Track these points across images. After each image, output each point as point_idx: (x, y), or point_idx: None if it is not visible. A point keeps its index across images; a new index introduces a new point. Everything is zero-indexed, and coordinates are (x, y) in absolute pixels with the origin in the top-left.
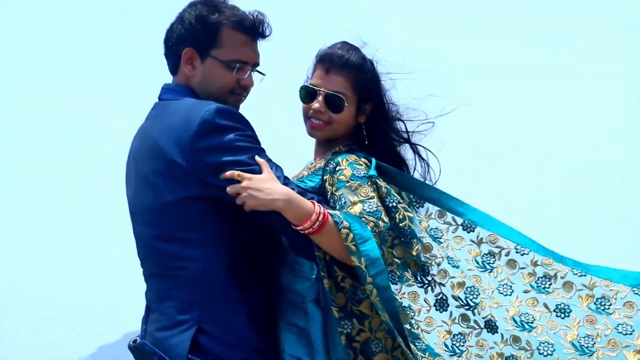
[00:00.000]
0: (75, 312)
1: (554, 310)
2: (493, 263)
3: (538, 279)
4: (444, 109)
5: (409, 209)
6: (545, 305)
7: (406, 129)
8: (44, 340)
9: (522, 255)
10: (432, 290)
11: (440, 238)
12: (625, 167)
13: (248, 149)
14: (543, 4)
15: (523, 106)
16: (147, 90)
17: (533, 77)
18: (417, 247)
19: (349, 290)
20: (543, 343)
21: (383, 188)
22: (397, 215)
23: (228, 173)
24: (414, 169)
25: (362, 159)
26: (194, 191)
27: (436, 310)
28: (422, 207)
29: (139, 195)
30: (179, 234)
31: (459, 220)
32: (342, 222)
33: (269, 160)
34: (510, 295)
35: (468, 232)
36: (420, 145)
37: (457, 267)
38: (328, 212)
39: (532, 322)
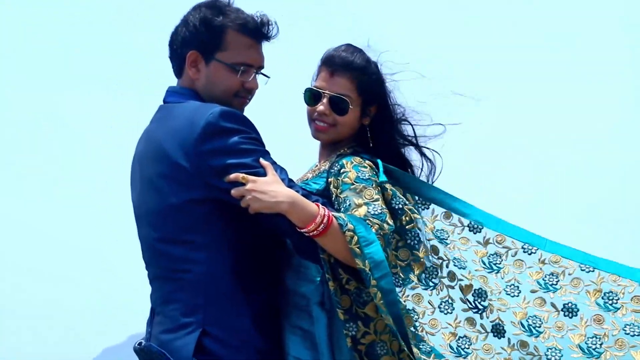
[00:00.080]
0: (80, 314)
1: (562, 310)
2: (500, 263)
3: (545, 276)
4: (453, 117)
5: (416, 211)
6: (553, 305)
7: (413, 131)
8: (48, 342)
9: (529, 254)
10: (439, 293)
11: (447, 239)
12: (625, 167)
13: (252, 151)
14: (543, 4)
15: (523, 106)
16: (147, 91)
17: (534, 77)
18: (424, 249)
19: (353, 293)
20: (551, 349)
21: (389, 190)
22: (403, 217)
23: (232, 176)
24: (421, 171)
25: (367, 161)
26: (199, 194)
27: (440, 312)
28: (428, 208)
29: (144, 197)
30: (183, 237)
31: (465, 222)
32: (347, 224)
33: (273, 163)
34: (517, 296)
35: (474, 233)
36: (426, 147)
37: (464, 268)
38: (332, 215)
39: (539, 326)
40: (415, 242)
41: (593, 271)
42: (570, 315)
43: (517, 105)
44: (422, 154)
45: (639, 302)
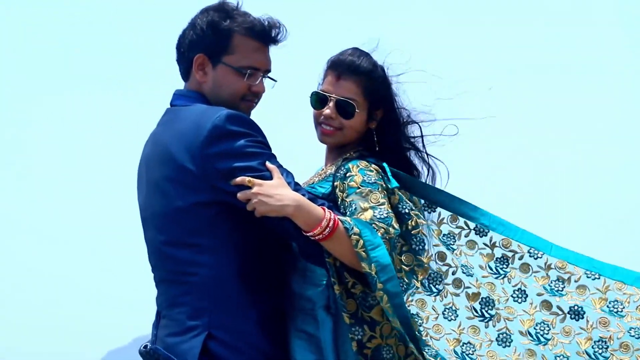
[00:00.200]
0: (85, 316)
1: (568, 313)
2: (506, 267)
3: (551, 282)
4: (467, 117)
5: (422, 216)
6: (559, 308)
7: (421, 133)
8: (53, 343)
9: (535, 258)
10: (442, 299)
11: (453, 244)
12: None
13: (259, 154)
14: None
15: (524, 107)
16: (147, 91)
17: (535, 77)
18: (429, 255)
19: (359, 297)
20: (559, 356)
21: (396, 194)
22: (409, 222)
23: (238, 179)
24: (428, 174)
25: (373, 165)
26: (205, 197)
27: (444, 318)
28: (434, 211)
29: (150, 200)
30: (189, 240)
31: (472, 225)
32: (353, 228)
33: (279, 166)
34: (524, 301)
35: (481, 237)
36: (431, 155)
37: (472, 275)
38: (338, 218)
39: (547, 333)
40: (420, 247)
41: (599, 278)
42: (577, 318)
43: (518, 106)
44: (424, 160)
45: None
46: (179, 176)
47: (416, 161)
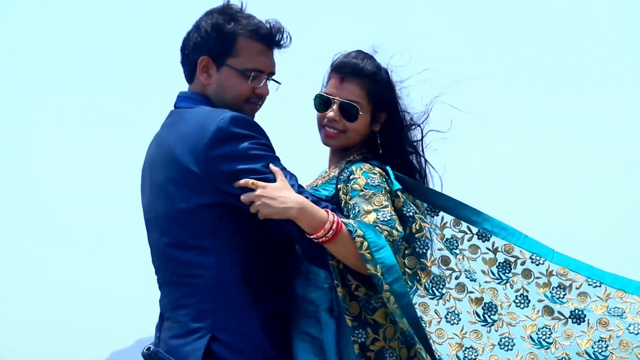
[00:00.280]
0: (87, 317)
1: (570, 317)
2: (508, 273)
3: (552, 289)
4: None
5: (426, 220)
6: (561, 313)
7: (422, 136)
8: (56, 345)
9: (537, 265)
10: (445, 303)
11: (456, 249)
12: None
13: (262, 157)
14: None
15: (524, 106)
16: (147, 91)
17: (535, 77)
18: (432, 258)
19: (362, 299)
20: (560, 359)
21: (400, 197)
22: (413, 225)
23: (242, 181)
24: (425, 180)
25: (376, 168)
26: (209, 199)
27: (447, 322)
28: (437, 215)
29: (154, 202)
30: (193, 242)
31: (474, 229)
32: (356, 230)
33: (283, 169)
34: (527, 306)
35: (483, 241)
36: (427, 161)
37: (474, 280)
38: (342, 221)
39: (549, 337)
40: (424, 250)
41: (600, 286)
42: (578, 321)
43: (518, 107)
44: (422, 165)
45: None
46: (182, 178)
47: (418, 164)
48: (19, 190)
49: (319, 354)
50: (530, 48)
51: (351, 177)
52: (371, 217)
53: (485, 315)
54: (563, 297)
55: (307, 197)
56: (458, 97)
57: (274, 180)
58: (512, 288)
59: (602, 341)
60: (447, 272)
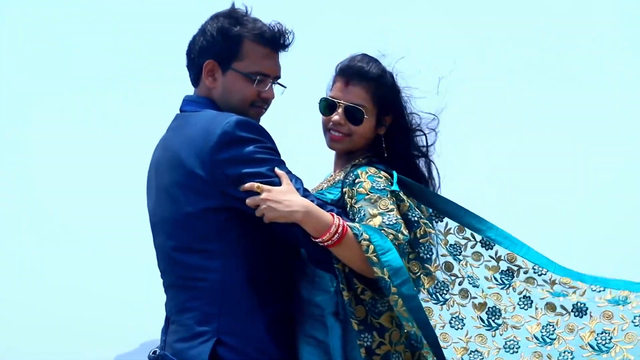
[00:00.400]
0: (92, 321)
1: (572, 311)
2: (511, 279)
3: (556, 292)
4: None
5: (430, 225)
6: (563, 307)
7: (426, 141)
8: (61, 348)
9: (539, 275)
10: (449, 309)
11: (460, 255)
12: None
13: (268, 160)
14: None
15: (524, 107)
16: (147, 91)
17: (535, 77)
18: (436, 264)
19: (368, 303)
20: (562, 353)
21: (406, 202)
22: (418, 230)
23: (247, 185)
24: (430, 183)
25: (382, 172)
26: (214, 203)
27: (451, 327)
28: (442, 221)
29: (160, 206)
30: (198, 245)
31: (478, 237)
32: (362, 234)
33: (288, 172)
34: (530, 307)
35: (486, 249)
36: (435, 165)
37: (478, 286)
38: (347, 224)
39: (552, 334)
40: (428, 255)
41: (604, 290)
42: (580, 315)
43: (518, 109)
44: (429, 169)
45: None
46: (188, 182)
47: (424, 168)
48: (19, 190)
49: (324, 357)
50: (530, 48)
51: (357, 181)
52: (377, 221)
53: (490, 320)
54: (567, 296)
55: (312, 201)
56: (458, 97)
57: (279, 183)
58: (514, 291)
59: (606, 333)
60: (451, 278)
